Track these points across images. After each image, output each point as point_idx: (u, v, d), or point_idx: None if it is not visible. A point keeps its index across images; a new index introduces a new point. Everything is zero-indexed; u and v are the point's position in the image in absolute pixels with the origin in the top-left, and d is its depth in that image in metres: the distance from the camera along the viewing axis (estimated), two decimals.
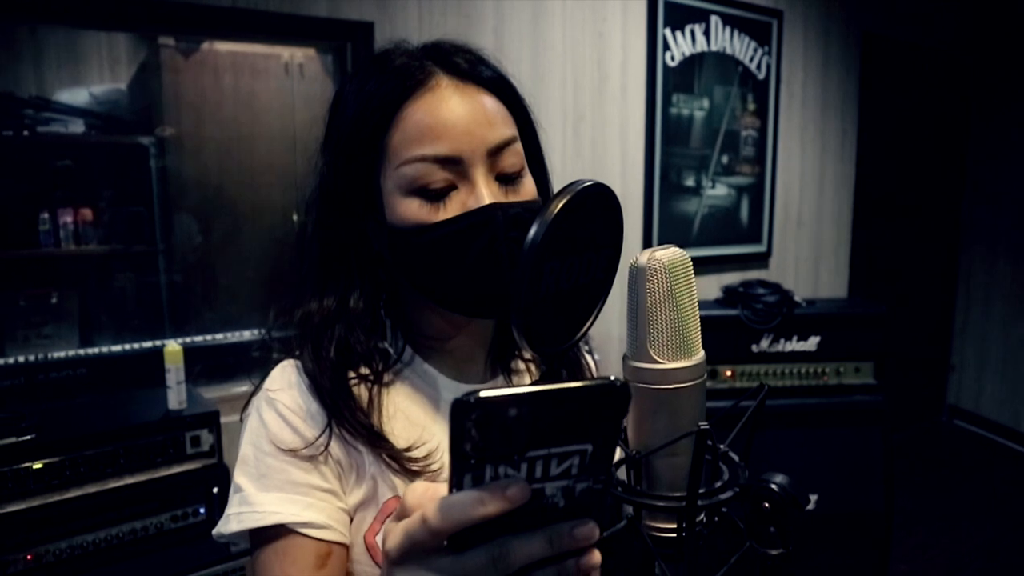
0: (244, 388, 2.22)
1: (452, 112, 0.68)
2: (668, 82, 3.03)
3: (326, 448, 0.70)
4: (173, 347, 1.69)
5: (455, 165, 0.68)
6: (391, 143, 0.69)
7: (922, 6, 4.12)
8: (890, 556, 2.80)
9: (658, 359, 0.50)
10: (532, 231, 0.55)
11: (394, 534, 0.41)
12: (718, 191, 3.29)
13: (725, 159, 3.29)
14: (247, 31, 2.32)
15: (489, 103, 0.70)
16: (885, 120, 4.06)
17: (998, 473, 4.07)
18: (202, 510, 1.61)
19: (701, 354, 0.53)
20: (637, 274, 0.50)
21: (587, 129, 2.85)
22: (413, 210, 0.68)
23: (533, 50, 2.66)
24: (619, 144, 2.96)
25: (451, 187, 0.68)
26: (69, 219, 3.11)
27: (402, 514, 0.41)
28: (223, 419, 1.71)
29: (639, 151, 3.02)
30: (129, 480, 1.52)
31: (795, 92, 3.56)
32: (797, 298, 2.68)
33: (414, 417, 0.76)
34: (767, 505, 0.55)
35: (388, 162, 0.69)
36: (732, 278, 2.95)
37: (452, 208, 0.68)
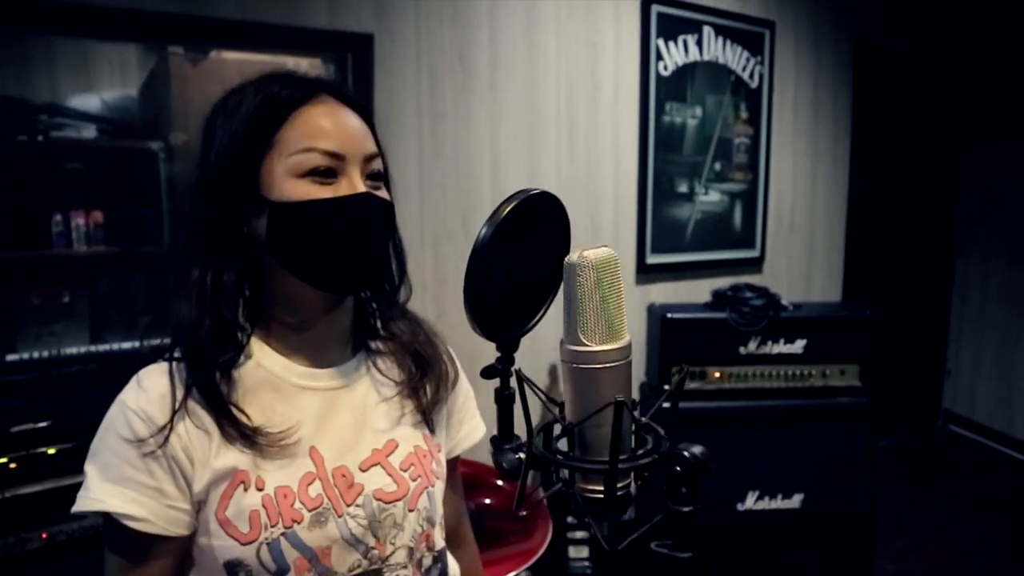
0: None
1: (340, 120, 0.85)
2: (661, 91, 3.12)
3: (160, 448, 0.80)
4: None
5: (339, 160, 0.83)
6: (283, 136, 0.83)
7: (914, 15, 4.19)
8: (877, 556, 2.87)
9: (587, 342, 0.59)
10: (483, 231, 0.64)
11: None
12: (711, 197, 3.37)
13: (718, 166, 3.37)
14: (251, 42, 2.41)
15: (360, 123, 0.88)
16: (878, 127, 4.14)
17: (990, 477, 4.12)
18: None
19: (626, 338, 0.61)
20: (570, 270, 0.59)
21: (580, 137, 2.94)
22: (302, 188, 0.81)
23: (527, 60, 2.75)
24: (612, 151, 3.05)
25: (332, 177, 0.82)
26: (81, 221, 3.21)
27: None
28: None
29: (632, 158, 3.11)
30: None
31: (788, 100, 3.64)
32: (784, 301, 2.76)
33: (266, 402, 0.85)
34: (679, 469, 0.63)
35: (277, 151, 0.83)
36: (725, 282, 3.03)
37: (337, 191, 0.82)
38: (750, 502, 2.67)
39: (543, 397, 0.65)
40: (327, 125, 0.83)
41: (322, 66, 2.66)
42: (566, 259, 0.59)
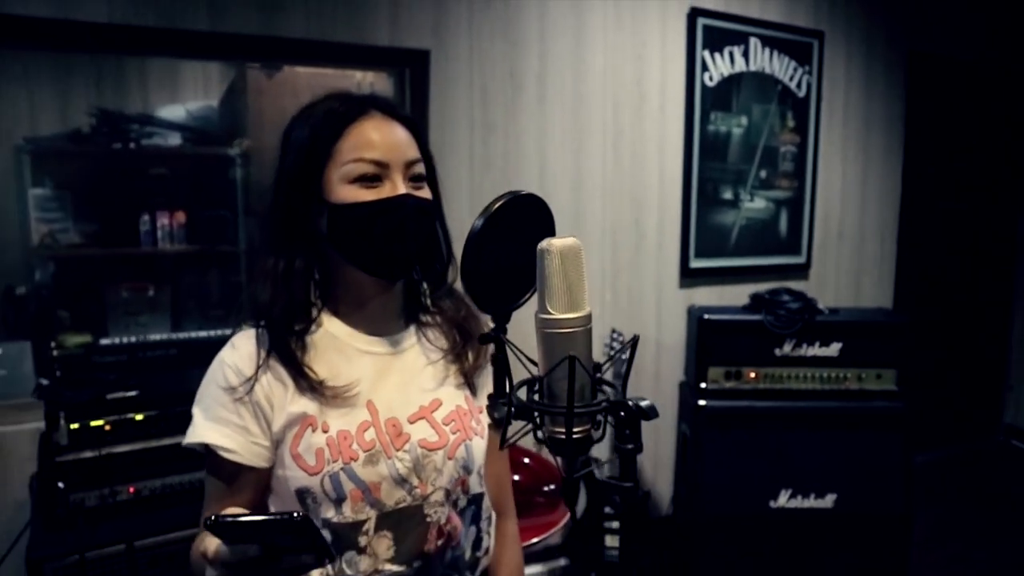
0: None
1: (387, 133, 1.01)
2: (706, 101, 3.23)
3: (247, 395, 0.99)
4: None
5: (383, 167, 1.00)
6: (339, 148, 1.00)
7: (970, 22, 4.16)
8: (915, 563, 2.90)
9: (552, 312, 0.74)
10: (476, 221, 0.80)
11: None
12: (756, 204, 3.45)
13: (763, 173, 3.45)
14: (320, 58, 2.64)
15: (405, 134, 1.04)
16: (934, 135, 4.12)
17: None
18: None
19: (587, 310, 0.76)
20: (540, 254, 0.75)
21: (626, 145, 3.08)
22: (353, 192, 0.99)
23: (575, 74, 2.91)
24: (657, 159, 3.17)
25: (380, 181, 1.00)
26: (165, 221, 3.51)
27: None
28: None
29: (677, 166, 3.22)
30: None
31: (836, 109, 3.69)
32: (820, 306, 2.83)
33: (332, 362, 1.04)
34: (623, 414, 0.77)
35: (335, 161, 1.00)
36: (770, 288, 3.11)
37: (380, 194, 1.00)
38: (783, 499, 2.75)
39: (523, 358, 0.81)
40: (374, 137, 1.00)
41: (384, 79, 2.88)
42: (538, 245, 0.75)
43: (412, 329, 1.12)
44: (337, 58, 2.61)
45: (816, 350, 2.79)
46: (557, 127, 2.91)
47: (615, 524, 2.74)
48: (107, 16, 2.19)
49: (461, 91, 2.70)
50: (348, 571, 1.00)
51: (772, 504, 2.76)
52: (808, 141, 3.57)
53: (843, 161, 3.75)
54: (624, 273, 3.16)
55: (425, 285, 1.10)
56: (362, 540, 1.00)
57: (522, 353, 0.80)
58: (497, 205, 0.81)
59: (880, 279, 4.01)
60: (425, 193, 1.04)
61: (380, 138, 1.00)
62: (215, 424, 1.00)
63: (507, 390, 0.82)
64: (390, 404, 1.05)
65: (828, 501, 2.76)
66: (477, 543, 1.11)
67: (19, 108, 3.50)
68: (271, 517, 0.79)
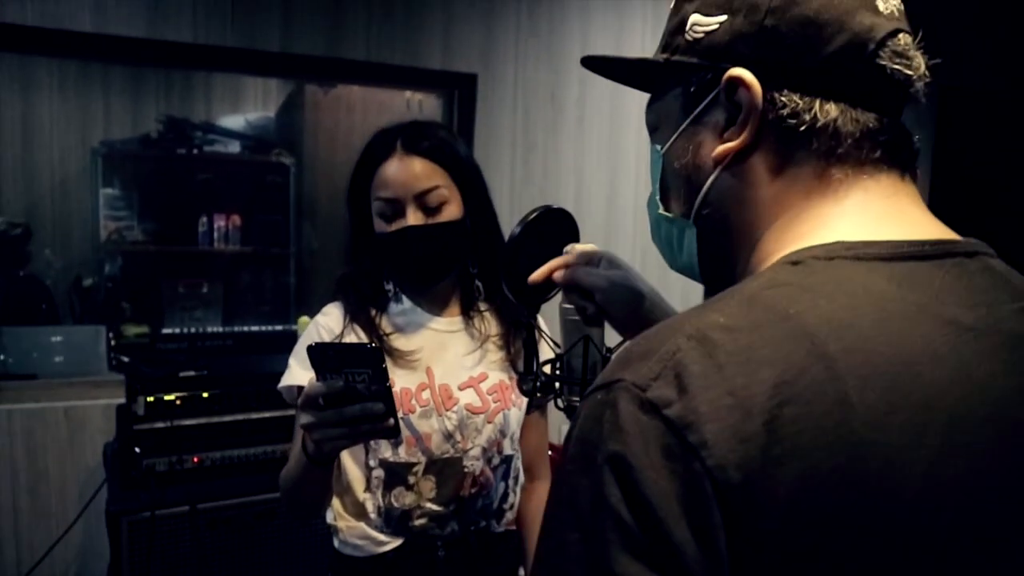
0: None
1: (403, 169, 1.22)
2: None
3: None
4: (304, 319, 2.22)
5: (396, 204, 1.21)
6: (372, 186, 1.24)
7: (1004, 54, 4.26)
8: None
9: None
10: (515, 228, 0.99)
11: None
12: None
13: None
14: (376, 79, 2.87)
15: (420, 164, 1.22)
16: (963, 165, 4.22)
17: None
18: None
19: None
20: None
21: None
22: (379, 224, 1.24)
23: (612, 98, 3.09)
24: None
25: (398, 214, 1.22)
26: (222, 223, 3.75)
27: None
28: None
29: None
30: (266, 414, 2.04)
31: None
32: None
33: (407, 332, 1.30)
34: None
35: (372, 195, 1.24)
36: None
37: (393, 226, 1.22)
38: None
39: (549, 341, 0.99)
40: (391, 176, 1.21)
41: (434, 100, 3.09)
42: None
43: (468, 315, 1.35)
44: (393, 79, 2.84)
45: None
46: (594, 148, 3.09)
47: None
48: (192, 36, 2.43)
49: (505, 112, 2.91)
50: (395, 504, 1.22)
51: None
52: None
53: None
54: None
55: (479, 283, 1.33)
56: (411, 479, 1.22)
57: (549, 337, 0.98)
58: (533, 215, 0.99)
59: None
60: (443, 216, 1.23)
61: (395, 176, 1.21)
62: (308, 370, 1.20)
63: (535, 367, 1.00)
64: (445, 372, 1.27)
65: None
66: (504, 497, 1.32)
67: (96, 114, 3.79)
68: (353, 344, 1.09)
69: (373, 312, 1.28)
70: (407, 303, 1.31)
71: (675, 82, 0.65)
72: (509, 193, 2.92)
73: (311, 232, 3.88)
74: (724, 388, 0.46)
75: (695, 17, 0.62)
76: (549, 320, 1.08)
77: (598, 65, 0.74)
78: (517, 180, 2.94)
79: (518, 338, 1.33)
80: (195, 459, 1.95)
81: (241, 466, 2.01)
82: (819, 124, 0.57)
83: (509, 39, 2.89)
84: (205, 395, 1.98)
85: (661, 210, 0.69)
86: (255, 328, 3.33)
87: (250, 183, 3.83)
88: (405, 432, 1.20)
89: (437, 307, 1.32)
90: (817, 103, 0.57)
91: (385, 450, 1.21)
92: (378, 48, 2.69)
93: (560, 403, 0.95)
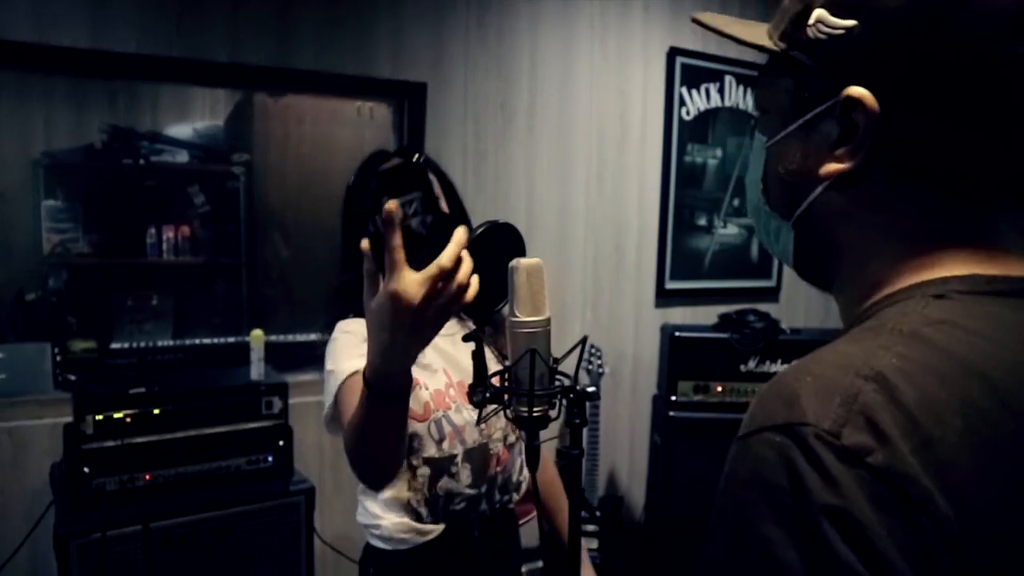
0: (309, 376, 2.72)
1: None
2: (683, 133, 3.47)
3: None
4: (258, 333, 2.21)
5: None
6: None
7: None
8: None
9: (519, 315, 0.95)
10: None
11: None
12: (729, 230, 3.68)
13: (736, 202, 3.68)
14: (326, 89, 2.86)
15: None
16: None
17: None
18: (270, 458, 2.10)
19: (547, 315, 0.96)
20: (511, 270, 0.95)
21: (608, 175, 3.31)
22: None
23: (562, 107, 3.14)
24: (637, 187, 3.40)
25: None
26: (171, 234, 3.69)
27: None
28: (290, 393, 2.22)
29: (655, 193, 3.45)
30: (219, 429, 2.03)
31: None
32: (783, 326, 3.05)
33: None
34: (572, 396, 0.97)
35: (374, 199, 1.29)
36: (739, 308, 3.32)
37: None
38: None
39: (496, 353, 1.01)
40: None
41: (384, 108, 3.09)
42: (510, 263, 0.96)
43: (461, 320, 1.42)
44: (342, 89, 2.84)
45: (778, 367, 3.00)
46: (544, 156, 3.13)
47: (590, 527, 2.93)
48: (136, 46, 2.40)
49: (455, 121, 2.92)
50: (440, 494, 1.34)
51: None
52: None
53: None
54: (604, 293, 3.37)
55: None
56: (453, 468, 1.35)
57: (495, 350, 1.00)
58: (479, 231, 1.01)
59: None
60: None
61: None
62: (353, 359, 1.26)
63: (484, 379, 1.02)
64: (458, 371, 1.38)
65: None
66: (520, 470, 1.47)
67: (36, 124, 3.69)
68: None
69: None
70: None
71: (788, 75, 0.61)
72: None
73: (270, 242, 3.84)
74: (920, 438, 0.45)
75: (821, 12, 0.57)
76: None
77: (706, 27, 0.69)
78: (468, 189, 2.96)
79: (499, 335, 1.42)
80: (147, 477, 1.93)
81: (196, 482, 2.00)
82: (940, 155, 0.55)
83: (458, 48, 2.91)
84: (156, 411, 1.96)
85: (763, 203, 0.68)
86: (207, 341, 3.28)
87: (200, 192, 3.77)
88: (447, 428, 1.33)
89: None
90: (941, 132, 0.54)
91: (429, 447, 1.33)
92: (328, 57, 2.69)
93: (508, 414, 0.98)
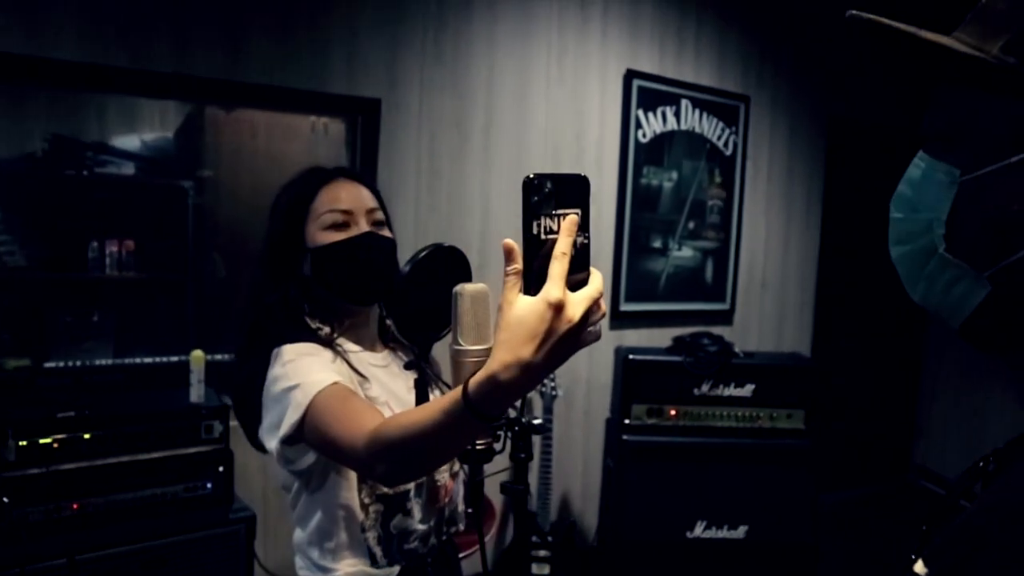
0: None
1: (350, 190, 1.31)
2: (639, 156, 3.48)
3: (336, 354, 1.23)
4: (198, 353, 2.13)
5: (350, 215, 1.27)
6: (315, 205, 1.28)
7: (885, 90, 4.54)
8: None
9: (463, 343, 0.91)
10: (404, 266, 0.97)
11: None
12: (684, 253, 3.70)
13: (691, 225, 3.71)
14: (279, 104, 2.80)
15: (366, 191, 1.33)
16: (851, 193, 4.47)
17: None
18: (208, 484, 2.02)
19: (491, 343, 0.92)
20: (455, 296, 0.92)
21: None
22: (329, 236, 1.26)
23: (518, 127, 3.12)
24: (593, 208, 3.39)
25: (350, 226, 1.25)
26: (114, 248, 3.56)
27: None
28: (231, 416, 2.13)
29: (611, 215, 3.45)
30: (155, 455, 1.94)
31: (761, 168, 3.99)
32: (736, 350, 3.06)
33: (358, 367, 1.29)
34: (517, 428, 0.94)
35: (312, 216, 1.28)
36: (693, 331, 3.33)
37: (350, 234, 1.25)
38: (699, 530, 2.94)
39: (438, 380, 0.97)
40: (342, 194, 1.28)
41: (339, 124, 3.04)
42: (454, 289, 0.92)
43: (389, 349, 1.38)
44: (295, 104, 2.78)
45: (732, 390, 3.01)
46: (500, 176, 3.10)
47: (542, 552, 2.88)
48: (78, 55, 2.31)
49: (410, 139, 2.88)
50: (394, 532, 1.28)
51: (689, 534, 2.94)
52: (734, 196, 3.84)
53: (766, 215, 4.05)
54: None
55: (388, 318, 1.35)
56: (408, 504, 1.29)
57: (437, 377, 0.96)
58: (422, 254, 0.98)
59: (800, 325, 4.30)
60: (387, 233, 1.32)
61: (346, 194, 1.29)
62: (325, 372, 1.16)
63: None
64: (399, 404, 1.29)
65: (740, 532, 2.96)
66: (463, 499, 1.42)
67: None
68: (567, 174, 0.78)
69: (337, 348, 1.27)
70: (347, 343, 1.30)
71: (1006, 89, 0.51)
72: (414, 221, 2.89)
73: (218, 259, 3.73)
74: None
75: None
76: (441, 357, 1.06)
77: (874, 27, 0.55)
78: (422, 208, 2.92)
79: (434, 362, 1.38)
80: (75, 506, 1.83)
81: (128, 511, 1.90)
82: None
83: (414, 65, 2.87)
84: (87, 436, 1.86)
85: (941, 248, 0.57)
86: (148, 360, 3.16)
87: (145, 206, 3.66)
88: None
89: (367, 342, 1.34)
90: None
91: (381, 484, 1.26)
92: (282, 71, 2.63)
93: None
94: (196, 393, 2.08)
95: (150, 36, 2.43)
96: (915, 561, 0.56)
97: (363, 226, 1.27)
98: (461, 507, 1.42)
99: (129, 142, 3.72)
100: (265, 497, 2.59)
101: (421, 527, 1.31)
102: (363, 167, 2.84)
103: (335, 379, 1.14)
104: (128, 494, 1.90)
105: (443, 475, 1.34)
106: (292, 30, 2.63)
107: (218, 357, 3.18)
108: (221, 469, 2.03)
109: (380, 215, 1.32)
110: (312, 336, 1.24)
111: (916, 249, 0.59)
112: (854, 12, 0.55)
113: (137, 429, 1.92)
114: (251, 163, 3.62)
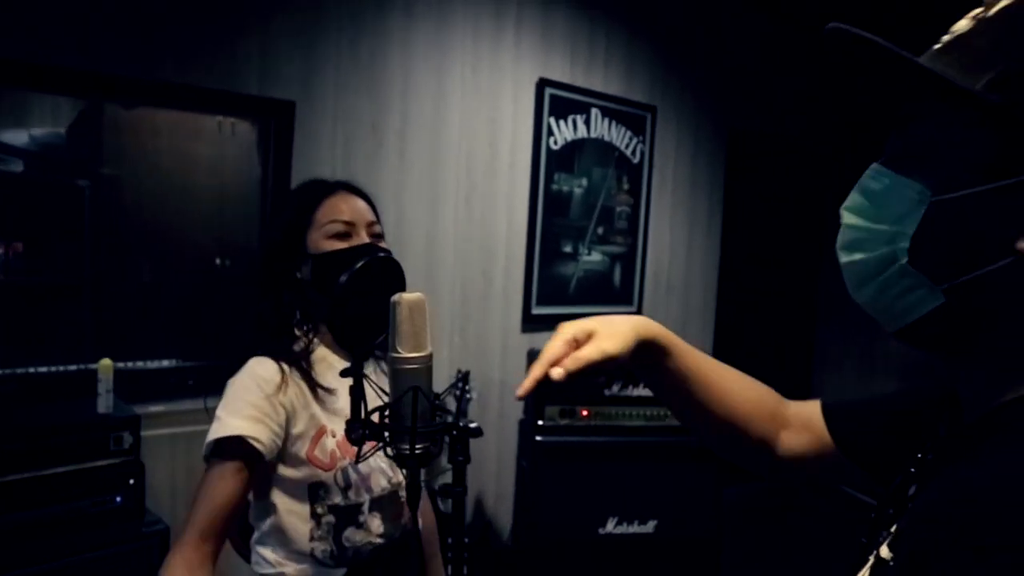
0: (162, 407, 2.55)
1: (351, 203, 1.38)
2: (551, 162, 3.56)
3: (277, 394, 1.25)
4: (106, 362, 2.05)
5: (351, 226, 1.35)
6: (317, 216, 1.35)
7: (782, 103, 4.81)
8: None
9: (401, 351, 0.93)
10: (342, 276, 0.99)
11: None
12: (593, 257, 3.81)
13: (601, 230, 3.82)
14: (186, 103, 2.72)
15: (365, 204, 1.41)
16: (750, 201, 4.71)
17: (842, 517, 4.63)
18: (118, 499, 1.95)
19: (429, 351, 0.96)
20: (392, 305, 0.94)
21: (478, 200, 3.34)
22: (330, 244, 1.33)
23: (433, 131, 3.14)
24: (506, 214, 3.45)
25: (352, 236, 1.32)
26: (1, 250, 3.36)
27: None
28: (142, 426, 2.07)
29: (523, 220, 3.52)
30: (59, 469, 1.86)
31: (667, 175, 4.16)
32: None
33: (327, 380, 1.33)
34: (455, 433, 0.97)
35: (314, 225, 1.35)
36: None
37: (352, 243, 1.31)
38: (610, 526, 3.04)
39: (376, 388, 0.99)
40: (343, 206, 1.36)
41: (250, 126, 2.97)
42: (391, 298, 0.94)
43: (371, 361, 1.43)
44: (203, 104, 2.70)
45: (640, 390, 3.12)
46: (415, 180, 3.12)
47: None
48: None
49: (324, 142, 2.86)
50: (347, 544, 1.29)
51: (601, 530, 3.04)
52: (641, 202, 3.99)
53: (671, 221, 4.21)
54: (472, 319, 3.39)
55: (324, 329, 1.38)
56: (360, 518, 1.31)
57: (376, 384, 0.98)
58: (359, 264, 1.00)
59: (703, 327, 4.49)
60: (385, 246, 1.39)
61: (347, 206, 1.37)
62: (246, 420, 1.20)
63: (362, 416, 0.99)
64: None
65: (650, 527, 3.08)
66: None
67: None
68: None
69: (303, 362, 1.32)
70: (323, 349, 1.36)
71: (992, 128, 0.54)
72: None
73: (118, 262, 3.57)
74: None
75: None
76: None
77: (850, 42, 0.56)
78: None
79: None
80: None
81: (32, 529, 1.82)
82: None
83: (329, 67, 2.85)
84: None
85: (903, 260, 0.59)
86: (43, 370, 3.00)
87: (37, 207, 3.47)
88: (353, 476, 1.28)
89: (343, 350, 1.39)
90: None
91: (335, 496, 1.29)
92: (191, 69, 2.56)
93: (389, 451, 0.96)
94: (104, 403, 2.00)
95: (50, 27, 2.31)
96: (880, 545, 0.60)
97: (363, 237, 1.34)
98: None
99: (17, 137, 3.52)
100: (175, 511, 2.51)
101: (379, 540, 1.34)
102: (276, 169, 2.80)
103: (247, 433, 1.19)
104: (30, 512, 1.81)
105: (403, 491, 1.35)
106: (202, 28, 2.56)
107: (129, 365, 3.05)
108: (131, 482, 1.97)
109: (379, 228, 1.40)
110: (285, 354, 1.30)
111: (874, 257, 0.61)
112: (838, 25, 0.55)
113: (40, 443, 1.83)
114: (153, 163, 3.48)
